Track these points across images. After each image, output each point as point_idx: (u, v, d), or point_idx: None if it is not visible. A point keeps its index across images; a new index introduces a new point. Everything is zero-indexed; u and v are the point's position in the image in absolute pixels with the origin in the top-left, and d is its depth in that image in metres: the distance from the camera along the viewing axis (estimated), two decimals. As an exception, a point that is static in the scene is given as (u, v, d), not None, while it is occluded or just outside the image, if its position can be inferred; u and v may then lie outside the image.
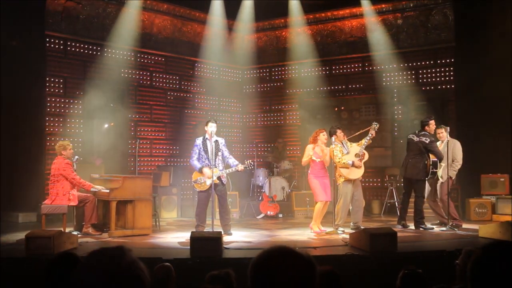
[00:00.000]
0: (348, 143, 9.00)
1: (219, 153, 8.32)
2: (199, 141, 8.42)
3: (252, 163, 8.68)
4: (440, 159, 8.97)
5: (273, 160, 12.51)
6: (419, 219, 9.03)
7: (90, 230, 8.45)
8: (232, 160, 8.44)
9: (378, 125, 8.87)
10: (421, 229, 8.89)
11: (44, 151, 10.02)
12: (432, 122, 9.16)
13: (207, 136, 8.37)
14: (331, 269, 3.34)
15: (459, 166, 9.18)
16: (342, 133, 8.91)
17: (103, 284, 1.53)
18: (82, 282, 1.55)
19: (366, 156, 8.82)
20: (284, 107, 13.64)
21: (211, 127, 8.30)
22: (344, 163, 8.64)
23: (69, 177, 8.29)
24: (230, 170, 8.41)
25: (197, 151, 8.38)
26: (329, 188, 8.67)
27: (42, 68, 10.16)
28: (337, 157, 8.66)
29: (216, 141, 8.33)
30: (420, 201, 9.10)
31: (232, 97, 13.70)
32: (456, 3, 11.34)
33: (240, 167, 8.31)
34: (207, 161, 8.26)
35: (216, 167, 8.20)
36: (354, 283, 5.36)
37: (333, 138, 8.76)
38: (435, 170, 8.98)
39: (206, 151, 8.30)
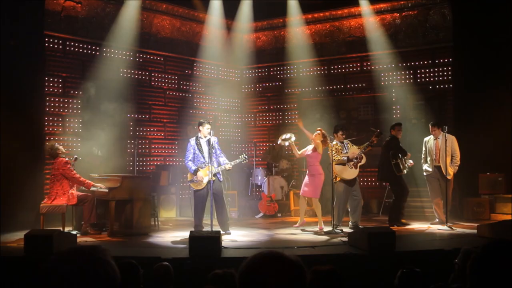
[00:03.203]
0: (349, 144, 9.10)
1: (213, 151, 8.39)
2: (192, 141, 8.53)
3: (246, 157, 8.69)
4: (400, 153, 9.42)
5: (271, 159, 12.52)
6: (393, 217, 9.41)
7: (89, 229, 8.47)
8: (222, 159, 8.54)
9: (382, 134, 9.19)
10: (395, 226, 9.00)
11: (43, 151, 10.02)
12: (398, 127, 9.61)
13: (200, 135, 8.49)
14: (333, 269, 3.35)
15: (459, 161, 9.48)
16: (343, 136, 9.01)
17: (74, 278, 1.54)
18: (54, 273, 1.56)
19: (364, 160, 8.95)
20: (282, 107, 13.65)
21: (207, 128, 8.44)
22: (339, 159, 8.75)
23: (69, 175, 8.31)
24: (220, 168, 8.45)
25: (192, 151, 8.49)
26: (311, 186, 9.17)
27: (41, 68, 10.14)
28: (334, 153, 8.78)
29: (209, 140, 8.43)
30: (396, 201, 9.56)
31: (231, 97, 13.70)
32: (454, 2, 11.35)
33: (228, 166, 8.42)
34: (202, 160, 8.37)
35: (212, 165, 8.27)
36: (353, 282, 5.38)
37: (333, 136, 8.96)
38: (395, 161, 9.36)
39: (201, 150, 8.42)
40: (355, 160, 8.85)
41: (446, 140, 9.25)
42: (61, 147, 8.60)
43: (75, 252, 1.62)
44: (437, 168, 9.56)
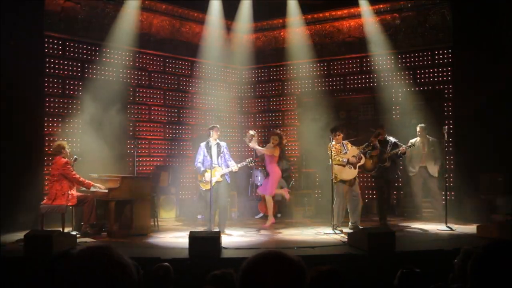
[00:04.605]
0: (349, 144, 9.14)
1: (221, 155, 8.95)
2: (203, 145, 9.01)
3: (252, 160, 9.35)
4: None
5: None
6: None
7: (89, 230, 8.47)
8: (231, 163, 9.00)
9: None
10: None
11: (43, 151, 10.02)
12: (379, 130, 9.86)
13: (210, 139, 8.93)
14: (334, 269, 3.35)
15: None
16: (341, 136, 9.09)
17: (93, 278, 1.55)
18: (73, 278, 1.56)
19: (362, 161, 9.02)
20: (282, 107, 13.65)
21: (216, 132, 8.98)
22: (338, 160, 8.81)
23: (69, 176, 8.31)
24: (227, 170, 8.92)
25: (202, 153, 8.97)
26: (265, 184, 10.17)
27: (41, 68, 10.15)
28: (333, 154, 8.83)
29: (218, 144, 8.95)
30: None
31: (230, 97, 13.69)
32: (454, 3, 11.35)
33: (235, 168, 8.94)
34: (210, 162, 8.73)
35: (219, 166, 8.84)
36: (353, 283, 5.38)
37: (331, 137, 9.09)
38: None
39: (210, 154, 8.84)
40: (355, 162, 8.93)
41: (429, 140, 10.32)
42: (67, 150, 8.61)
43: (89, 252, 1.62)
44: (423, 168, 10.46)
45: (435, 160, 10.42)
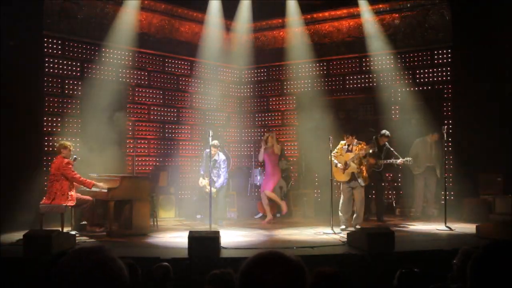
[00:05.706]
0: (360, 145, 9.13)
1: (216, 166, 9.80)
2: (205, 154, 9.94)
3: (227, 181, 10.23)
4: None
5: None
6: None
7: (97, 229, 8.58)
8: (220, 179, 9.79)
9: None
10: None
11: (42, 151, 10.02)
12: (382, 137, 10.33)
13: (210, 149, 9.64)
14: (337, 273, 3.36)
15: None
16: (350, 139, 9.19)
17: (83, 278, 1.55)
18: (62, 278, 1.57)
19: (351, 169, 9.01)
20: (282, 107, 13.65)
21: (214, 149, 9.74)
22: (332, 160, 8.98)
23: (70, 176, 8.30)
24: (211, 184, 9.43)
25: (204, 161, 9.96)
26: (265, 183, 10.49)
27: (40, 68, 10.14)
28: (336, 154, 8.97)
29: (215, 159, 9.75)
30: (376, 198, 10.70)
31: (230, 97, 13.70)
32: (453, 3, 11.36)
33: (213, 188, 9.39)
34: (209, 170, 9.61)
35: (212, 177, 9.55)
36: (352, 283, 5.38)
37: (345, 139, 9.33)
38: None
39: (207, 163, 9.74)
40: (344, 166, 9.03)
41: (435, 142, 10.38)
42: (68, 150, 8.58)
43: (79, 253, 1.62)
44: (431, 168, 10.48)
45: (437, 160, 10.41)
